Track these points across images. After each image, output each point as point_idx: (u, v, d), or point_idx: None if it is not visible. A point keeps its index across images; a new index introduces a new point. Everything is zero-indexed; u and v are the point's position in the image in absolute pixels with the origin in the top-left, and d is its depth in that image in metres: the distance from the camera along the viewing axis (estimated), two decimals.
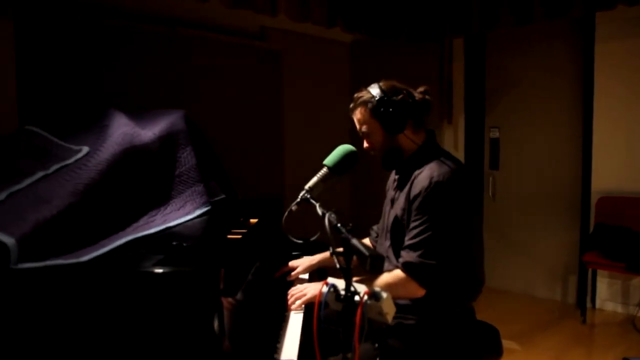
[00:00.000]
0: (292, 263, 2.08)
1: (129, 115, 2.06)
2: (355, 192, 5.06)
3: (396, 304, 1.71)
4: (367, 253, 1.07)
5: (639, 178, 3.75)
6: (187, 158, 2.10)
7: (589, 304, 3.90)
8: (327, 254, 2.04)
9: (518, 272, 4.40)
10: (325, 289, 1.19)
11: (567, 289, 4.23)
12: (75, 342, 1.19)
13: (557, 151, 4.27)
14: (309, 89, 4.68)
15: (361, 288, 1.14)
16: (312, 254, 2.27)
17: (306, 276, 2.08)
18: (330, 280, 1.20)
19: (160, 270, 1.16)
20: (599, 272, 3.86)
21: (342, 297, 1.14)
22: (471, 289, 1.73)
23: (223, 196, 2.33)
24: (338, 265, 1.11)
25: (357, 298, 1.14)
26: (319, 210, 1.37)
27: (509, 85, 4.51)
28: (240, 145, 3.87)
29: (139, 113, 2.20)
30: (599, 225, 3.71)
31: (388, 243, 1.77)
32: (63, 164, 1.57)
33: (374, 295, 1.14)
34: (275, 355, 1.37)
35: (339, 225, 1.18)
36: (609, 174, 3.88)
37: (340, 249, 1.15)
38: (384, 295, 1.14)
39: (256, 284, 1.79)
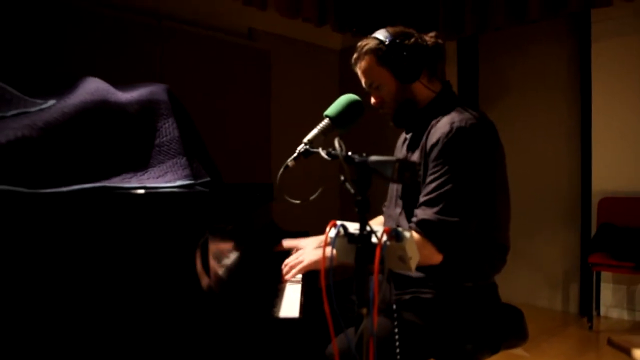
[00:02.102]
0: (293, 243, 1.81)
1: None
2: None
3: (409, 277, 1.51)
4: (393, 158, 0.87)
5: None
6: (168, 129, 1.89)
7: (593, 312, 3.70)
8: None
9: (516, 281, 4.19)
10: (332, 232, 0.98)
11: (568, 297, 4.03)
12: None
13: (554, 153, 4.13)
14: (298, 91, 4.53)
15: (378, 227, 0.94)
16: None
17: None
18: (339, 222, 0.99)
19: (141, 191, 0.95)
20: (603, 278, 3.68)
21: (356, 236, 0.93)
22: (495, 257, 1.51)
23: (208, 178, 2.12)
24: (352, 191, 0.90)
25: (374, 240, 0.94)
26: (323, 153, 1.18)
27: (504, 88, 4.41)
28: (227, 142, 3.68)
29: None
30: (604, 225, 3.54)
31: (399, 210, 1.55)
32: (24, 110, 1.35)
33: (394, 235, 0.93)
34: (274, 313, 1.14)
35: (350, 153, 0.98)
36: (610, 175, 3.74)
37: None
38: (407, 234, 0.94)
39: (245, 259, 1.57)
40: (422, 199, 1.40)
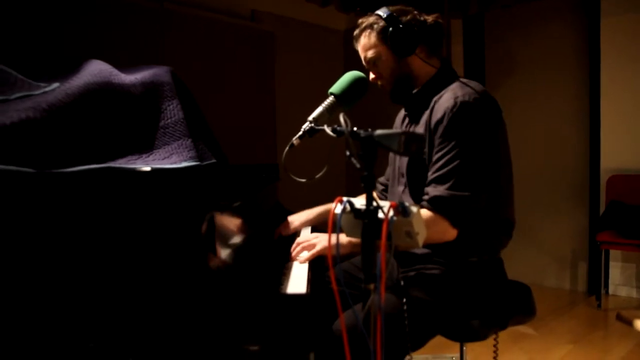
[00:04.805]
0: (289, 218, 1.83)
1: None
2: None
3: (414, 254, 1.51)
4: (399, 131, 0.86)
5: None
6: (173, 111, 1.88)
7: (601, 290, 3.69)
8: (326, 206, 1.79)
9: (524, 260, 4.18)
10: (338, 208, 0.97)
11: (576, 276, 4.02)
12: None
13: (562, 131, 4.09)
14: (302, 72, 4.50)
15: (384, 203, 0.93)
16: None
17: (308, 230, 1.85)
18: (345, 198, 0.98)
19: (147, 168, 0.96)
20: (612, 256, 3.67)
21: (362, 212, 0.92)
22: (501, 232, 1.50)
23: (213, 160, 2.12)
24: (358, 166, 0.89)
25: (380, 215, 0.93)
26: (329, 130, 1.17)
27: (511, 67, 4.35)
28: (232, 124, 3.66)
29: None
30: (613, 203, 3.52)
31: (402, 188, 1.54)
32: (28, 93, 1.34)
33: (401, 209, 0.92)
34: (281, 289, 1.14)
35: (355, 129, 0.97)
36: (619, 152, 3.70)
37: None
38: (414, 209, 0.93)
39: (252, 237, 1.57)
40: (431, 176, 1.39)
